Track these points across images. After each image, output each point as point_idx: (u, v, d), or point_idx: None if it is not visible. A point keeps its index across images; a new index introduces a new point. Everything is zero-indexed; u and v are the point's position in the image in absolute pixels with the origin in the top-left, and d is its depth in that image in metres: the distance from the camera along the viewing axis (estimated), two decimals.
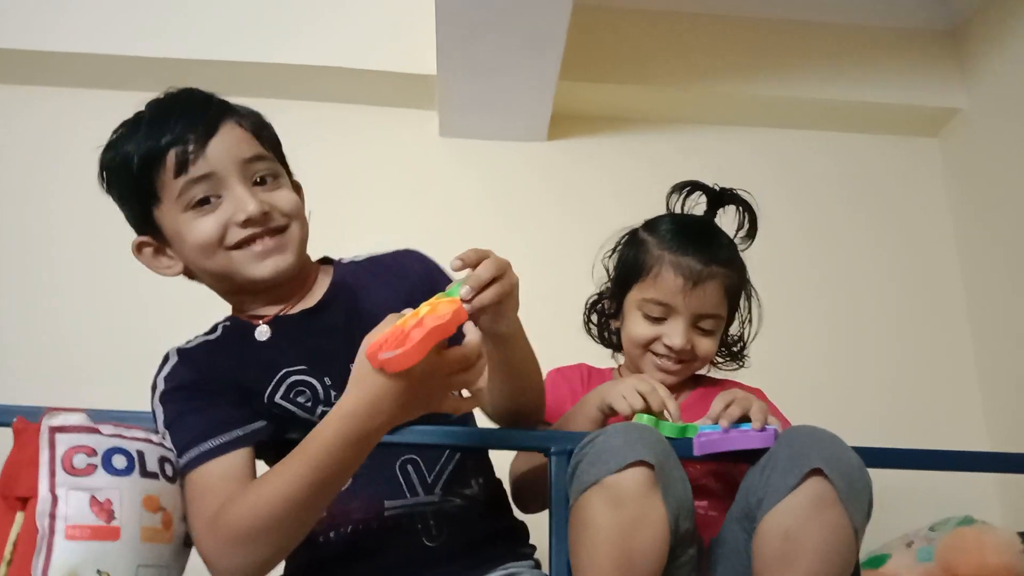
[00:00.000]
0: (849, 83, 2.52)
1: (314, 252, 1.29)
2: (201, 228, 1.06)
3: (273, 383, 1.07)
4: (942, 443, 1.35)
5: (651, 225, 1.42)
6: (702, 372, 1.45)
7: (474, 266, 0.92)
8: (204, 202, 1.06)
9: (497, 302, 0.92)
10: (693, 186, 1.49)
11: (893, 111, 2.54)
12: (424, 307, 0.85)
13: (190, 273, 1.14)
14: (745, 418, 1.12)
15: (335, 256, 1.26)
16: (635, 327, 1.36)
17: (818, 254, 2.49)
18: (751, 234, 1.47)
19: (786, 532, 0.96)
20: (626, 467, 0.95)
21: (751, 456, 1.07)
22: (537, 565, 1.14)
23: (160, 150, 1.05)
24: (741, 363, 1.48)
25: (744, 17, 2.54)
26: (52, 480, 0.87)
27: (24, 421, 0.93)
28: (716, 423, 1.12)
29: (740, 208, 1.48)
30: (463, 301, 0.88)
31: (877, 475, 1.03)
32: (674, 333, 1.32)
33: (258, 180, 1.09)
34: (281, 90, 2.42)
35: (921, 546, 1.61)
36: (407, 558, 1.04)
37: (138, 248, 1.13)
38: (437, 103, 2.37)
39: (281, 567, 1.07)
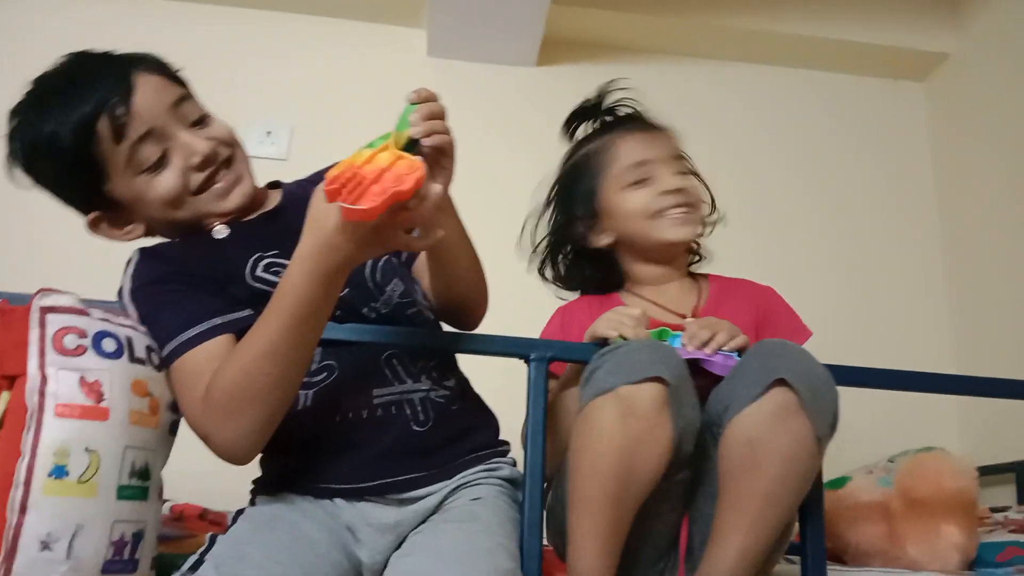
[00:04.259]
0: (840, 22, 2.52)
1: (299, 167, 1.29)
2: (162, 185, 1.07)
3: (250, 263, 1.08)
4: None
5: (575, 147, 1.45)
6: (715, 273, 1.44)
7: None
8: (159, 161, 1.06)
9: (444, 143, 0.93)
10: (572, 119, 1.48)
11: (882, 53, 2.55)
12: (384, 154, 0.85)
13: (150, 231, 1.13)
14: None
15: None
16: (631, 202, 1.34)
17: (800, 188, 2.52)
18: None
19: (749, 439, 0.98)
20: (643, 380, 0.97)
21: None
22: (513, 463, 1.17)
23: (88, 121, 1.02)
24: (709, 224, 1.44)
25: None
26: (42, 359, 0.88)
27: (7, 303, 0.94)
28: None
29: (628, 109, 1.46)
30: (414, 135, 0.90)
31: (843, 406, 1.04)
32: (664, 177, 1.33)
33: (192, 122, 1.10)
34: (269, 2, 2.38)
35: (882, 476, 1.66)
36: (396, 445, 1.07)
37: (94, 225, 1.11)
38: (426, 21, 2.34)
39: (276, 458, 1.10)
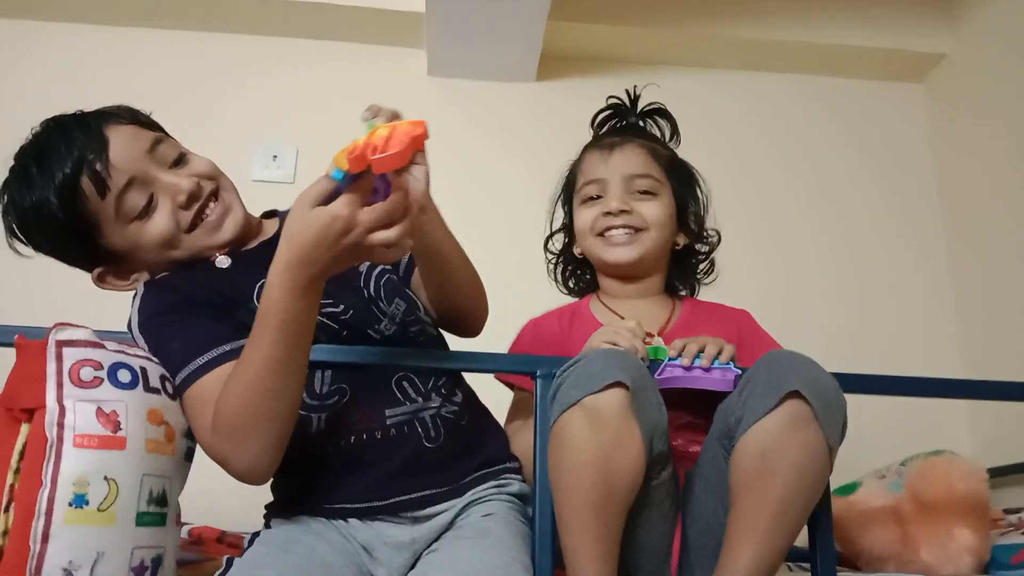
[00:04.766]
0: (836, 27, 2.53)
1: (299, 191, 1.31)
2: (155, 228, 1.09)
3: (256, 289, 1.09)
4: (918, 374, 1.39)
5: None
6: (690, 296, 1.48)
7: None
8: (147, 207, 1.08)
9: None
10: (605, 110, 1.54)
11: (879, 55, 2.56)
12: (381, 128, 0.88)
13: (153, 273, 1.15)
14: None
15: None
16: (580, 218, 1.42)
17: (802, 194, 2.53)
18: (674, 134, 1.52)
19: (763, 451, 0.99)
20: (604, 388, 0.98)
21: (713, 394, 1.11)
22: (522, 478, 1.19)
23: (70, 182, 1.05)
24: (711, 240, 1.49)
25: None
26: (60, 391, 0.90)
27: (24, 338, 0.96)
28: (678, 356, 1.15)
29: (659, 117, 1.52)
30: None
31: (853, 413, 1.05)
32: (609, 197, 1.38)
33: (171, 163, 1.12)
34: (269, 26, 2.41)
35: (893, 480, 1.67)
36: (408, 462, 1.09)
37: (101, 279, 1.14)
38: (426, 42, 2.36)
39: (288, 481, 1.11)
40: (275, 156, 2.35)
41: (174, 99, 2.09)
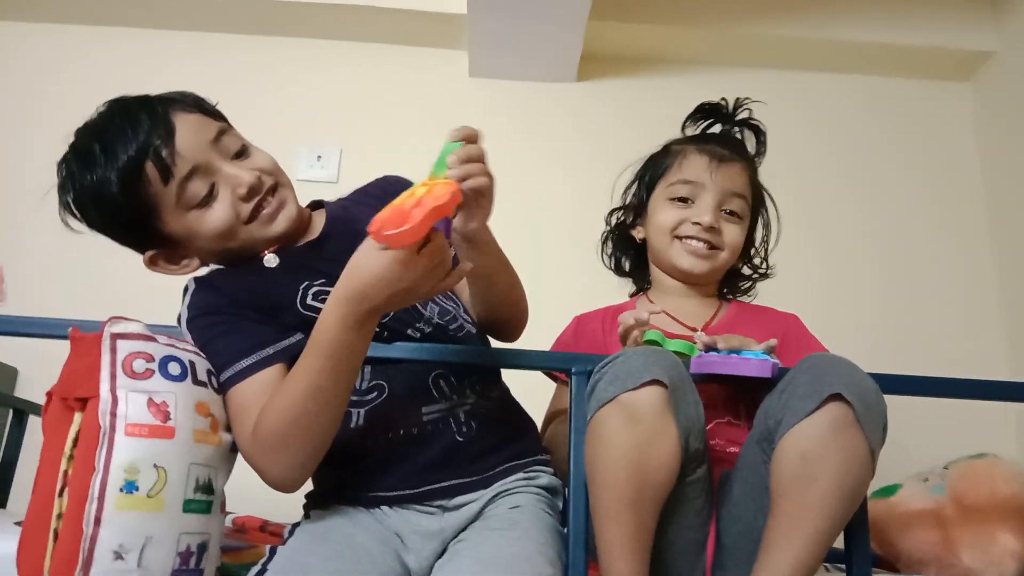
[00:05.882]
0: (881, 25, 2.49)
1: (349, 189, 1.34)
2: (215, 218, 1.10)
3: (300, 292, 1.12)
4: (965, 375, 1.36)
5: (670, 141, 1.51)
6: (739, 299, 1.50)
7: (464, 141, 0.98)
8: (207, 196, 1.09)
9: (481, 186, 0.97)
10: (702, 111, 1.54)
11: (925, 54, 2.52)
12: (420, 188, 0.89)
13: (204, 262, 1.17)
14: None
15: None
16: (663, 214, 1.42)
17: (848, 194, 2.50)
18: (760, 152, 1.52)
19: (804, 454, 0.98)
20: (642, 385, 0.99)
21: (753, 385, 1.11)
22: (552, 472, 1.21)
23: (134, 165, 1.05)
24: (765, 272, 1.52)
25: None
26: (113, 382, 0.93)
27: (78, 330, 1.00)
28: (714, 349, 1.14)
29: (751, 131, 1.53)
30: (453, 175, 0.93)
31: (898, 415, 1.05)
32: (702, 210, 1.38)
33: (234, 155, 1.13)
34: (313, 29, 2.46)
35: (935, 483, 1.64)
36: (440, 456, 1.11)
37: (152, 262, 1.15)
38: (467, 43, 2.39)
39: (328, 474, 1.14)
40: (319, 156, 2.40)
41: (221, 100, 2.14)
